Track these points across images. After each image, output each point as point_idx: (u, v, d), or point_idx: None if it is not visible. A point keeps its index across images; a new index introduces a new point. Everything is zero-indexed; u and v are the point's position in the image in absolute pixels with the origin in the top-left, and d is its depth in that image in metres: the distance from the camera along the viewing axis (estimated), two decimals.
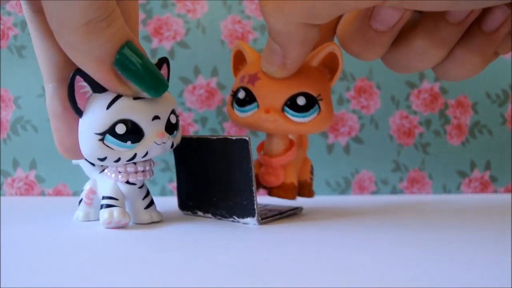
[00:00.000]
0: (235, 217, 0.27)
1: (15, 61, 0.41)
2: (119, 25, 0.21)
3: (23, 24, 0.41)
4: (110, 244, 0.22)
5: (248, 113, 0.27)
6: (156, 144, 0.24)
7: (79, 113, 0.23)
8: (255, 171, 0.28)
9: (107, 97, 0.23)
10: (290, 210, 0.29)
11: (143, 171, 0.25)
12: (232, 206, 0.26)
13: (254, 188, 0.25)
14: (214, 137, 0.26)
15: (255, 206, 0.25)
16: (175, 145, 0.25)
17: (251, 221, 0.26)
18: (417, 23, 0.25)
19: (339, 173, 0.42)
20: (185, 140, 0.27)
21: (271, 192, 0.28)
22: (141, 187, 0.26)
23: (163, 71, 0.25)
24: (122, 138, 0.23)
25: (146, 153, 0.24)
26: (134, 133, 0.23)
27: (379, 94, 0.42)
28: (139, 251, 0.21)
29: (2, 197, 0.40)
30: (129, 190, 0.26)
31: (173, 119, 0.25)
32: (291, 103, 0.26)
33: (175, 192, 0.41)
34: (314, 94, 0.26)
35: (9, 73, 0.41)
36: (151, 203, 0.27)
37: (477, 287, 0.16)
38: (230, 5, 0.41)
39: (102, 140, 0.23)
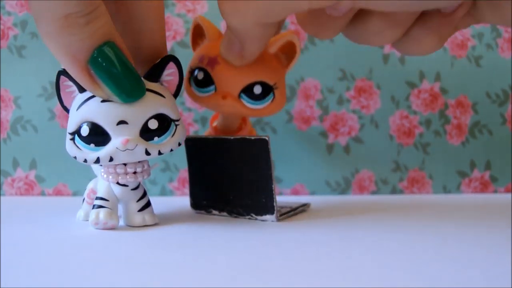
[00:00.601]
0: (253, 215, 0.27)
1: (15, 61, 0.41)
2: (101, 23, 0.21)
3: (23, 24, 0.41)
4: (110, 244, 0.22)
5: (206, 94, 0.28)
6: (120, 150, 0.23)
7: (67, 111, 0.24)
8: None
9: (82, 98, 0.23)
10: (300, 206, 0.30)
11: (134, 173, 0.25)
12: (250, 204, 0.27)
13: (273, 186, 0.26)
14: (232, 137, 0.27)
15: (275, 204, 0.27)
16: (163, 152, 0.24)
17: (269, 218, 0.27)
18: None
19: (339, 173, 0.42)
20: (199, 141, 0.29)
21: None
22: (134, 188, 0.26)
23: (171, 70, 0.24)
24: (85, 140, 0.23)
25: (111, 158, 0.23)
26: (97, 135, 0.23)
27: (379, 94, 0.42)
28: (142, 252, 0.21)
29: (2, 197, 0.40)
30: (122, 192, 0.25)
31: (152, 125, 0.23)
32: (247, 91, 0.27)
33: (176, 192, 0.41)
34: (271, 83, 0.28)
35: (9, 73, 0.41)
36: (146, 205, 0.26)
37: (477, 287, 0.16)
38: None
39: (73, 139, 0.24)
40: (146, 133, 0.23)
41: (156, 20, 0.25)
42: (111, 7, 0.24)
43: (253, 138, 0.26)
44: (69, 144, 0.24)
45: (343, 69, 0.41)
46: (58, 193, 0.41)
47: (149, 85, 0.24)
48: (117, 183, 0.25)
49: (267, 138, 0.26)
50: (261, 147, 0.26)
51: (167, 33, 0.41)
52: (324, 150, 0.42)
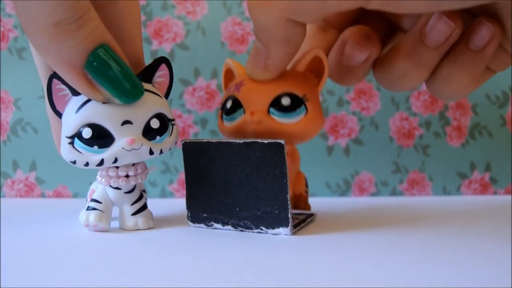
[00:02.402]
0: (263, 228, 0.24)
1: (15, 63, 0.41)
2: (92, 27, 0.21)
3: None
4: (108, 246, 0.22)
5: (236, 120, 0.26)
6: (126, 151, 0.23)
7: (59, 115, 0.24)
8: None
9: (79, 101, 0.23)
10: (308, 217, 0.28)
11: (126, 176, 0.25)
12: (260, 216, 0.24)
13: (288, 195, 0.24)
14: (240, 141, 0.24)
15: (289, 215, 0.24)
16: (164, 151, 0.25)
17: (283, 231, 0.24)
18: (397, 47, 0.26)
19: (339, 174, 0.42)
20: (199, 145, 0.25)
21: None
22: (129, 192, 0.25)
23: (162, 71, 0.25)
24: (88, 142, 0.23)
25: (116, 159, 0.23)
26: (101, 137, 0.23)
27: (379, 96, 0.42)
28: (140, 254, 0.21)
29: (2, 199, 0.40)
30: (115, 195, 0.25)
31: (154, 124, 0.24)
32: (276, 103, 0.26)
33: (176, 194, 0.41)
34: (299, 94, 0.26)
35: (9, 75, 0.41)
36: (141, 209, 0.26)
37: None
38: (230, 7, 0.41)
39: (71, 143, 0.23)
40: (149, 133, 0.24)
41: (136, 25, 0.25)
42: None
43: (266, 141, 0.24)
44: (66, 149, 0.23)
45: None
46: (58, 195, 0.41)
47: (145, 86, 0.24)
48: (110, 186, 0.25)
49: (282, 142, 0.23)
50: (274, 151, 0.23)
51: (167, 35, 0.41)
52: (324, 152, 0.42)
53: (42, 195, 0.41)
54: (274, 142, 0.23)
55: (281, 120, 0.26)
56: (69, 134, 0.23)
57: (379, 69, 0.27)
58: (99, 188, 0.25)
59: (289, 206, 0.24)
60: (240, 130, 0.26)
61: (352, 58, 0.26)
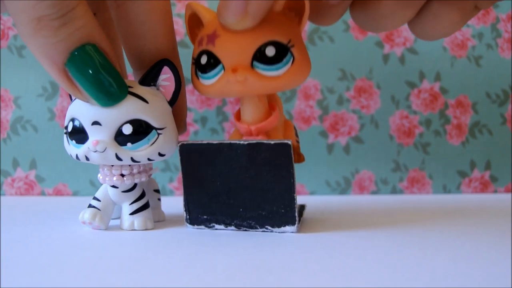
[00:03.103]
0: (268, 227, 0.24)
1: (15, 61, 0.41)
2: (77, 26, 0.20)
3: None
4: (108, 245, 0.22)
5: (215, 78, 0.23)
6: (91, 151, 0.23)
7: (70, 99, 0.24)
8: (234, 136, 0.26)
9: None
10: (301, 209, 0.27)
11: (121, 175, 0.24)
12: (265, 215, 0.24)
13: (295, 195, 0.23)
14: (244, 142, 0.23)
15: (296, 214, 0.24)
16: (138, 160, 0.23)
17: (289, 229, 0.24)
18: None
19: (339, 173, 0.42)
20: (197, 146, 0.24)
21: None
22: (127, 191, 0.25)
23: (167, 75, 0.24)
24: (70, 136, 0.24)
25: (87, 158, 0.23)
26: (78, 133, 0.23)
27: (379, 94, 0.42)
28: (140, 253, 0.21)
29: (2, 197, 0.40)
30: (114, 193, 0.25)
31: (126, 130, 0.23)
32: (259, 55, 0.22)
33: (176, 192, 0.41)
34: (284, 41, 0.23)
35: (9, 73, 0.41)
36: (140, 209, 0.25)
37: (477, 287, 0.16)
38: None
39: (66, 134, 0.24)
40: (120, 138, 0.23)
41: (159, 23, 0.24)
42: (112, 10, 0.24)
43: (272, 142, 0.23)
44: (64, 139, 0.24)
45: (343, 69, 0.41)
46: (58, 193, 0.41)
47: (139, 89, 0.23)
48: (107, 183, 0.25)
49: (289, 143, 0.23)
50: (281, 152, 0.23)
51: None
52: (324, 150, 0.42)
53: (42, 193, 0.41)
54: (280, 143, 0.23)
55: (267, 73, 0.23)
56: (64, 125, 0.24)
57: (360, 7, 0.24)
58: (102, 186, 0.26)
59: (296, 205, 0.23)
60: (223, 91, 0.23)
61: None
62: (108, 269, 0.18)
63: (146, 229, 0.25)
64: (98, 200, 0.25)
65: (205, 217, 0.25)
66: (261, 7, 0.21)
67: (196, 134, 0.41)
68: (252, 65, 0.23)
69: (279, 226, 0.24)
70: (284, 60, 0.23)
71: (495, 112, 0.42)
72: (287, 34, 0.23)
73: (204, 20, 0.24)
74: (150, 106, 0.23)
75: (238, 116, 0.25)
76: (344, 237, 0.24)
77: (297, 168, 0.41)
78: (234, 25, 0.22)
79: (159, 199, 0.29)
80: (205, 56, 0.23)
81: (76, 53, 0.21)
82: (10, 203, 0.36)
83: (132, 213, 0.25)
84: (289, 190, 0.23)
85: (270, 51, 0.22)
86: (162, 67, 0.24)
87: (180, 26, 0.41)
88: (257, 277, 0.17)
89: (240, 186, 0.24)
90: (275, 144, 0.23)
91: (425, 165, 0.42)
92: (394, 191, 0.42)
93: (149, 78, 0.24)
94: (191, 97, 0.41)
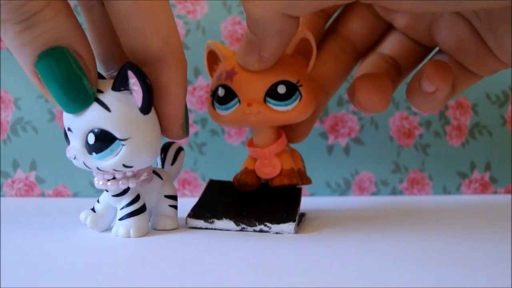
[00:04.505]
0: (267, 224, 0.25)
1: (16, 62, 0.40)
2: (44, 29, 0.20)
3: None
4: (111, 246, 0.22)
5: (231, 110, 0.26)
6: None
7: None
8: (250, 167, 0.28)
9: None
10: (301, 216, 0.28)
11: (114, 179, 0.23)
12: (265, 214, 0.26)
13: (299, 208, 0.27)
14: (265, 187, 0.28)
15: (297, 214, 0.26)
16: (104, 169, 0.22)
17: (287, 228, 0.25)
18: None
19: (339, 174, 0.42)
20: (224, 183, 0.30)
21: (273, 182, 0.28)
22: (117, 195, 0.24)
23: (133, 79, 0.21)
24: (64, 137, 0.23)
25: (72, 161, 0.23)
26: (66, 137, 0.23)
27: None
28: (140, 253, 0.21)
29: (2, 198, 0.40)
30: (107, 197, 0.25)
31: (90, 139, 0.22)
32: (272, 92, 0.26)
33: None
34: (293, 81, 0.26)
35: (10, 74, 0.41)
36: (129, 215, 0.24)
37: None
38: (230, 6, 0.41)
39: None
40: (87, 146, 0.22)
41: (145, 19, 0.22)
42: (100, 8, 0.24)
43: (287, 186, 0.28)
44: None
45: None
46: (58, 194, 0.41)
47: (107, 95, 0.22)
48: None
49: (300, 187, 0.28)
50: (293, 192, 0.28)
51: None
52: (324, 151, 0.42)
53: (42, 195, 0.41)
54: (293, 189, 0.28)
55: (277, 108, 0.26)
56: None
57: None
58: None
59: (299, 210, 0.26)
60: (239, 121, 0.27)
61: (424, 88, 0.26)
62: (108, 270, 0.18)
63: (129, 237, 0.24)
64: (98, 202, 0.25)
65: (208, 214, 0.26)
66: (273, 54, 0.24)
67: (196, 135, 0.41)
68: (265, 100, 0.26)
69: (278, 223, 0.25)
70: (293, 97, 0.26)
71: (495, 113, 0.42)
72: (296, 75, 0.26)
73: (221, 56, 0.28)
74: (113, 115, 0.21)
75: (250, 143, 0.29)
76: (344, 238, 0.24)
77: None
78: (250, 66, 0.25)
79: (172, 206, 0.26)
80: (222, 90, 0.26)
81: (43, 56, 0.20)
82: (10, 205, 0.36)
83: (121, 219, 0.24)
84: (294, 205, 0.27)
85: (281, 89, 0.26)
86: (126, 71, 0.21)
87: (180, 28, 0.41)
88: (256, 277, 0.17)
89: (249, 204, 0.28)
90: (288, 189, 0.28)
91: (425, 166, 0.42)
92: (394, 192, 0.42)
93: (117, 83, 0.22)
94: (191, 98, 0.41)
